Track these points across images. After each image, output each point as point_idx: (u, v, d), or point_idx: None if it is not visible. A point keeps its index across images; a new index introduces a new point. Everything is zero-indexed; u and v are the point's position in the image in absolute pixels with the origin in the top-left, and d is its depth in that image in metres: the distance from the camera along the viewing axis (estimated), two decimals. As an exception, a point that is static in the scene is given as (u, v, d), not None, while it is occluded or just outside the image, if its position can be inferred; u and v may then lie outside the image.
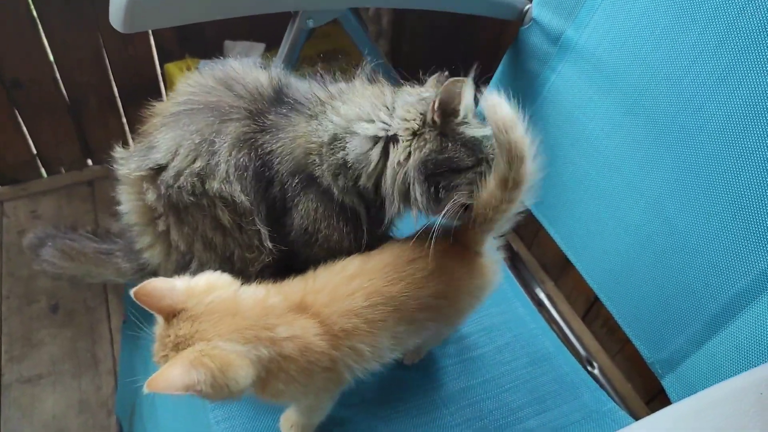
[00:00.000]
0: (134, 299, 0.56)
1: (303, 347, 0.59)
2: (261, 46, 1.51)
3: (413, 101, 0.67)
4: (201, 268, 0.72)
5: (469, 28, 1.54)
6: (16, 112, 1.54)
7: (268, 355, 0.57)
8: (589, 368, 1.36)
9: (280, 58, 0.92)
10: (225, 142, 0.67)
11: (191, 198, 0.68)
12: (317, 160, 0.67)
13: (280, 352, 0.58)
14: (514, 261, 1.53)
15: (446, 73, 0.71)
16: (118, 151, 0.74)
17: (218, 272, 0.62)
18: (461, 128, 0.64)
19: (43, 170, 1.70)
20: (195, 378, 0.52)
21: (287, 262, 0.72)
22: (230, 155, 0.67)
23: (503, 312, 0.91)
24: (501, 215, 0.65)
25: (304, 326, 0.60)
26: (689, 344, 0.75)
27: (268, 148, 0.67)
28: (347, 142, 0.66)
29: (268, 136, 0.68)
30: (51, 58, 1.48)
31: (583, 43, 0.86)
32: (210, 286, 0.59)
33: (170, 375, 0.51)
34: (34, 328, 1.44)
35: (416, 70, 0.72)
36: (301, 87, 0.72)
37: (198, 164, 0.67)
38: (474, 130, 0.65)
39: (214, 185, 0.67)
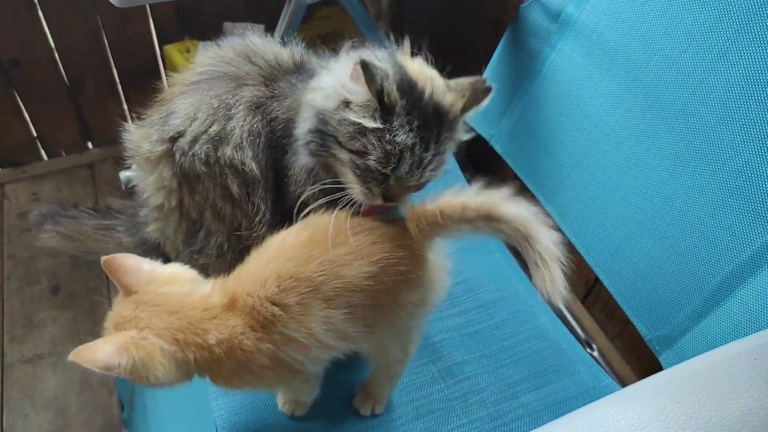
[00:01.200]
0: (103, 267, 0.56)
1: (228, 350, 0.57)
2: (260, 27, 1.51)
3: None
4: (209, 237, 0.73)
5: (469, 9, 1.53)
6: (15, 93, 1.54)
7: (194, 359, 0.56)
8: (588, 350, 1.37)
9: (278, 35, 0.92)
10: (240, 105, 0.67)
11: (203, 168, 0.68)
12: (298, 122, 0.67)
13: (209, 357, 0.56)
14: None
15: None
16: (133, 129, 0.73)
17: (186, 267, 0.61)
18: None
19: (43, 153, 1.71)
20: (117, 362, 0.52)
21: None
22: (245, 120, 0.67)
23: (501, 288, 0.91)
24: (455, 227, 0.60)
25: (231, 326, 0.57)
26: (687, 321, 0.75)
27: (275, 115, 0.68)
28: (309, 94, 0.65)
29: (275, 103, 0.68)
30: (50, 39, 1.48)
31: (583, 20, 0.85)
32: (171, 278, 0.59)
33: (97, 351, 0.52)
34: (35, 309, 1.45)
35: (416, 53, 0.72)
36: (317, 62, 0.73)
37: (214, 128, 0.67)
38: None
39: (227, 151, 0.67)
